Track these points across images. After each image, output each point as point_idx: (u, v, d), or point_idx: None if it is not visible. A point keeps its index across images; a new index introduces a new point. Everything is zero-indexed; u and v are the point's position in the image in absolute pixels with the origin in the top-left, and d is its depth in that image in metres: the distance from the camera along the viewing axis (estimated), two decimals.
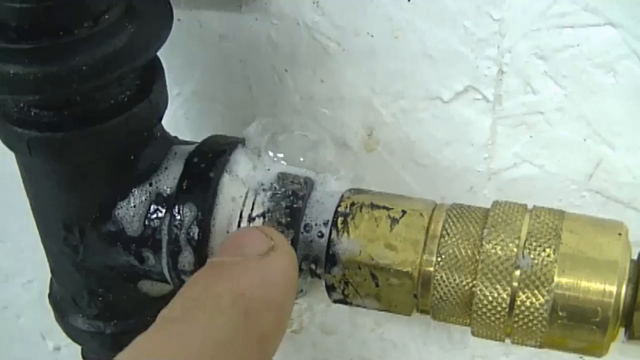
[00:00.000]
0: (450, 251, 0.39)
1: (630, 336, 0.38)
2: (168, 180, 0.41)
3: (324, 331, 0.61)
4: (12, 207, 0.62)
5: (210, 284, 0.35)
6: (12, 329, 0.75)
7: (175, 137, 0.44)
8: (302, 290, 0.41)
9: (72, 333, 0.46)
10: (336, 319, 0.60)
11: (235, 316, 0.33)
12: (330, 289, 0.41)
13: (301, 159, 0.45)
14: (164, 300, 0.41)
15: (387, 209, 0.40)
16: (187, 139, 0.45)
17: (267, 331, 0.34)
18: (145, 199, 0.41)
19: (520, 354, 0.56)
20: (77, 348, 0.67)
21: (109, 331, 0.45)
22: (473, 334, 0.40)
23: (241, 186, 0.41)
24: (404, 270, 0.39)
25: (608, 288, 0.37)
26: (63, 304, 0.46)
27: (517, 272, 0.38)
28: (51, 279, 0.47)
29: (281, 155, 0.44)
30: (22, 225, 0.66)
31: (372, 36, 0.48)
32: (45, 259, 0.59)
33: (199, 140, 0.44)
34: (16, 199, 0.59)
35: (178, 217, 0.40)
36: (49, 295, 0.47)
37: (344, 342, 0.61)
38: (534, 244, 0.38)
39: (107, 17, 0.36)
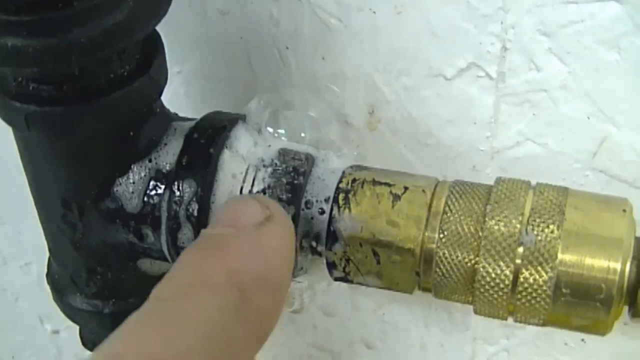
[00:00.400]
0: (453, 228, 0.39)
1: (635, 314, 0.38)
2: (168, 156, 0.41)
3: (325, 313, 0.61)
4: (11, 190, 0.63)
5: (203, 261, 0.34)
6: (11, 312, 0.75)
7: (175, 113, 0.44)
8: (302, 268, 0.41)
9: (70, 313, 0.46)
10: (337, 301, 0.61)
11: (230, 295, 0.32)
12: (331, 266, 0.41)
13: (302, 135, 0.45)
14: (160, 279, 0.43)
15: (389, 185, 0.40)
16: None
17: (264, 309, 0.33)
18: (145, 175, 0.41)
19: (522, 335, 0.56)
20: (76, 332, 0.67)
21: (107, 310, 0.45)
22: (475, 312, 0.40)
23: (241, 162, 0.41)
24: (406, 247, 0.39)
25: (612, 265, 0.37)
26: (61, 283, 0.46)
27: (521, 249, 0.38)
28: (49, 259, 0.47)
29: (282, 131, 0.44)
30: (21, 208, 0.63)
31: (374, 12, 0.48)
32: (45, 242, 0.59)
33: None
34: (15, 181, 0.58)
35: (177, 194, 0.40)
36: (47, 275, 0.47)
37: (344, 324, 0.62)
38: (537, 220, 0.38)
39: None
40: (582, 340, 0.54)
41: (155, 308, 0.32)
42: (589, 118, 0.47)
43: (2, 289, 0.74)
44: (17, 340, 0.78)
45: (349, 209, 0.40)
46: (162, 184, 0.41)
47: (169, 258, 0.42)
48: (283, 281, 0.35)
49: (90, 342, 0.49)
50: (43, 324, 0.75)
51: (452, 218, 0.39)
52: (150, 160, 0.41)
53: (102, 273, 0.44)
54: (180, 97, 0.45)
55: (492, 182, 0.41)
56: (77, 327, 0.65)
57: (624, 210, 0.38)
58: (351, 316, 0.61)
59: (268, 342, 0.59)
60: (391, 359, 0.62)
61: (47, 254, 0.58)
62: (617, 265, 0.37)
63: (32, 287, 0.72)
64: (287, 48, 0.51)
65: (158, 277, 0.42)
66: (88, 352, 0.68)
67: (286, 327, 0.62)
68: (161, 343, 0.30)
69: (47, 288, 0.63)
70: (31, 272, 0.72)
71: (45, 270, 0.61)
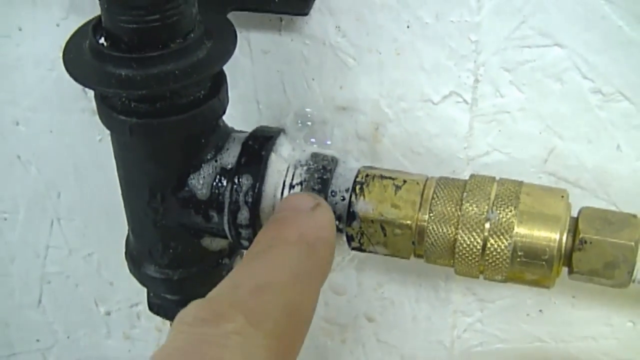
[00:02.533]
0: (439, 209, 0.44)
1: (570, 272, 0.44)
2: (229, 158, 0.46)
3: (335, 292, 0.65)
4: (82, 192, 0.68)
5: (280, 230, 0.42)
6: (71, 296, 0.77)
7: (232, 127, 0.48)
8: None
9: (145, 280, 0.51)
10: (345, 281, 0.64)
11: (301, 247, 0.40)
12: (350, 239, 0.46)
13: (328, 142, 0.52)
14: (220, 254, 0.49)
15: (393, 179, 0.46)
16: None
17: (323, 258, 0.42)
18: (212, 172, 0.46)
19: (493, 308, 0.61)
20: (124, 313, 0.72)
21: (175, 277, 0.49)
22: (456, 272, 0.45)
23: (284, 162, 0.46)
24: (405, 223, 0.45)
25: (553, 235, 0.42)
26: (139, 257, 0.50)
27: (487, 224, 0.43)
28: (127, 239, 0.51)
29: (313, 140, 0.50)
30: (89, 207, 0.70)
31: (380, 53, 0.52)
32: (104, 236, 0.64)
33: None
34: (85, 185, 0.66)
35: (237, 185, 0.45)
36: (125, 252, 0.51)
37: (351, 301, 0.65)
38: (500, 203, 0.43)
39: (192, 35, 0.42)
40: (540, 311, 0.59)
41: (251, 260, 0.40)
42: (540, 133, 0.51)
43: (65, 276, 0.75)
44: (74, 321, 0.79)
45: (364, 196, 0.45)
46: (225, 178, 0.46)
47: (228, 235, 0.47)
48: (332, 241, 0.43)
49: (155, 306, 0.53)
50: (98, 307, 0.77)
51: (438, 202, 0.44)
52: (216, 161, 0.46)
53: (174, 247, 0.48)
54: (227, 117, 0.48)
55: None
56: (126, 309, 0.71)
57: (562, 196, 0.44)
58: (357, 294, 0.64)
59: None
60: (389, 329, 0.65)
61: (108, 246, 0.64)
62: (557, 236, 0.42)
63: (91, 275, 0.74)
64: (313, 79, 0.55)
65: (216, 252, 0.49)
66: (135, 331, 0.73)
67: None
68: (264, 274, 0.39)
69: (105, 275, 0.69)
70: (92, 262, 0.73)
71: (105, 260, 0.67)
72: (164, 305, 0.53)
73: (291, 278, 0.39)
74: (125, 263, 0.52)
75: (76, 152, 0.66)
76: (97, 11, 0.43)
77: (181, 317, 0.36)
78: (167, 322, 0.53)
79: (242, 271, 0.40)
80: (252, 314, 0.36)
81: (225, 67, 0.45)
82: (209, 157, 0.47)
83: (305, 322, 0.40)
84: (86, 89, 0.60)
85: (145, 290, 0.53)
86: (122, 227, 0.51)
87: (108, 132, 0.46)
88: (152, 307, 0.54)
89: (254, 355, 0.35)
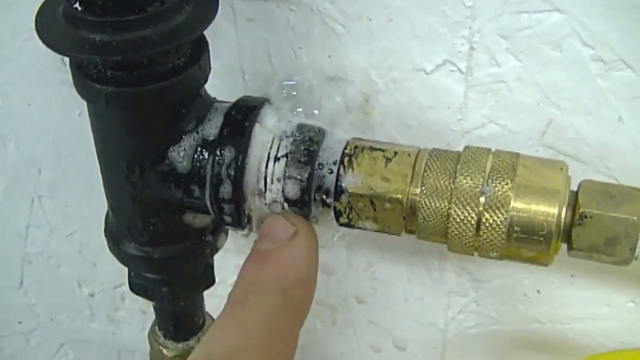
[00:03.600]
0: (432, 182, 0.43)
1: (569, 248, 0.43)
2: (211, 129, 0.45)
3: (325, 272, 0.64)
4: (62, 169, 0.67)
5: (258, 272, 0.43)
6: (53, 277, 0.76)
7: (215, 97, 0.47)
8: (314, 217, 0.46)
9: (124, 258, 0.50)
10: (334, 261, 0.64)
11: (276, 295, 0.41)
12: (338, 214, 0.45)
13: (315, 112, 0.51)
14: (203, 231, 0.49)
15: (383, 150, 0.45)
16: None
17: (299, 301, 0.42)
18: (193, 144, 0.45)
19: (488, 288, 0.61)
20: (108, 294, 0.71)
21: (156, 255, 0.49)
22: (449, 249, 0.44)
23: (269, 133, 0.45)
24: (396, 197, 0.44)
25: (551, 210, 0.41)
26: (118, 234, 0.49)
27: (482, 199, 0.42)
28: (106, 216, 0.51)
29: (300, 109, 0.49)
30: (70, 184, 0.69)
31: (370, 20, 0.51)
32: (87, 214, 0.64)
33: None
34: (64, 162, 0.66)
35: (219, 157, 0.44)
36: (105, 229, 0.51)
37: (341, 281, 0.65)
38: (495, 176, 0.42)
39: None
40: (538, 291, 0.59)
41: (228, 312, 0.42)
42: (538, 104, 0.51)
43: (47, 256, 0.75)
44: (56, 303, 0.79)
45: (352, 168, 0.44)
46: (206, 150, 0.45)
47: (210, 210, 0.46)
48: (311, 278, 0.44)
49: (136, 286, 0.52)
50: (81, 288, 0.77)
51: (430, 175, 0.43)
52: (197, 132, 0.45)
53: (153, 224, 0.48)
54: (211, 88, 0.48)
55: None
56: (109, 291, 0.71)
57: (561, 169, 0.43)
58: (346, 274, 0.64)
59: None
60: (380, 310, 0.66)
61: (89, 225, 0.63)
62: (555, 210, 0.41)
63: (74, 255, 0.74)
64: (300, 48, 0.54)
65: (198, 229, 0.48)
66: (119, 313, 0.73)
67: None
68: (236, 338, 0.39)
69: (87, 256, 0.69)
70: (74, 241, 0.73)
71: (87, 239, 0.67)
72: (145, 285, 0.52)
73: (265, 335, 0.40)
74: None
75: (56, 126, 0.65)
76: None
77: None
78: (151, 304, 0.53)
79: (215, 336, 0.41)
80: None
81: (208, 36, 0.45)
82: (189, 129, 0.46)
83: None
84: (65, 60, 0.60)
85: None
86: (104, 205, 0.51)
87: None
88: (132, 287, 0.53)
89: None
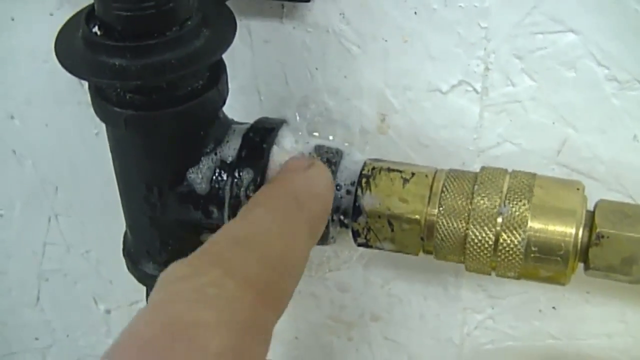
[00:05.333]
0: (449, 203, 0.44)
1: (586, 268, 0.43)
2: (230, 150, 0.46)
3: (340, 289, 0.65)
4: (79, 189, 0.68)
5: (271, 188, 0.43)
6: (70, 294, 0.77)
7: (232, 119, 0.48)
8: (332, 237, 0.46)
9: (143, 278, 0.50)
10: (351, 279, 0.64)
11: (288, 202, 0.41)
12: (355, 234, 0.46)
13: (330, 138, 0.51)
14: None
15: (400, 171, 0.45)
16: None
17: (313, 212, 0.41)
18: (212, 165, 0.45)
19: (504, 305, 0.60)
20: (124, 311, 0.71)
21: None
22: (466, 268, 0.45)
23: (286, 155, 0.45)
24: (414, 217, 0.44)
25: (569, 230, 0.42)
26: (136, 254, 0.50)
27: (500, 219, 0.43)
28: (125, 236, 0.51)
29: (316, 134, 0.49)
30: (86, 203, 0.70)
31: (386, 41, 0.52)
32: (103, 232, 0.64)
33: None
34: (82, 182, 0.66)
35: (238, 179, 0.45)
36: (123, 250, 0.51)
37: (357, 299, 0.65)
38: (512, 196, 0.43)
39: (189, 23, 0.41)
40: (553, 307, 0.59)
41: (247, 209, 0.41)
42: (553, 123, 0.51)
43: (63, 273, 0.75)
44: (72, 319, 0.79)
45: (370, 189, 0.45)
46: (225, 172, 0.45)
47: None
48: (325, 197, 0.43)
49: None
50: (97, 305, 0.77)
51: (448, 196, 0.44)
52: (216, 154, 0.45)
53: (172, 244, 0.48)
54: (227, 109, 0.48)
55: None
56: (126, 307, 0.72)
57: (578, 189, 0.43)
58: (362, 291, 0.64)
59: (291, 316, 0.64)
60: (396, 327, 0.65)
61: (105, 243, 0.63)
62: (572, 230, 0.42)
63: (90, 272, 0.74)
64: (316, 69, 0.55)
65: None
66: None
67: (307, 303, 0.65)
68: (245, 228, 0.39)
69: (104, 273, 0.69)
70: (90, 259, 0.73)
71: (103, 257, 0.67)
72: None
73: (276, 228, 0.39)
74: (124, 261, 0.52)
75: (72, 146, 0.66)
76: None
77: (161, 277, 0.36)
78: None
79: (224, 228, 0.39)
80: (229, 266, 0.36)
81: (225, 57, 0.45)
82: (208, 150, 0.46)
83: (291, 275, 0.39)
84: (82, 81, 0.60)
85: (144, 288, 0.53)
86: (120, 224, 0.51)
87: (105, 126, 0.46)
88: None
89: (229, 306, 0.34)
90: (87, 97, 0.52)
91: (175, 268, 0.36)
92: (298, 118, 0.54)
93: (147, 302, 0.51)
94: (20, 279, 0.78)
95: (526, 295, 0.60)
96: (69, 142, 0.66)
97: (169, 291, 0.35)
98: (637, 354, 0.59)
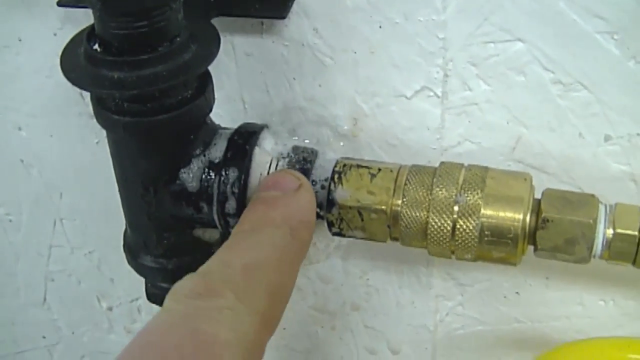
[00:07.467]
0: (411, 194, 0.46)
1: (535, 249, 0.46)
2: (217, 152, 0.48)
3: (323, 281, 0.66)
4: (82, 193, 0.70)
5: (266, 211, 0.44)
6: (74, 293, 0.78)
7: (219, 124, 0.50)
8: None
9: (141, 270, 0.52)
10: (332, 271, 0.65)
11: (285, 231, 0.43)
12: (330, 225, 0.48)
13: (306, 141, 0.54)
14: (212, 244, 0.51)
15: (368, 167, 0.48)
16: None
17: (304, 240, 0.45)
18: (201, 165, 0.48)
19: (472, 292, 0.62)
20: (125, 308, 0.74)
21: (170, 267, 0.51)
22: (429, 253, 0.47)
23: (267, 155, 0.48)
24: (380, 208, 0.47)
25: (517, 216, 0.44)
26: (135, 248, 0.52)
27: (456, 207, 0.45)
28: (124, 233, 0.53)
29: (295, 138, 0.52)
30: (89, 207, 0.72)
31: (355, 52, 0.54)
32: (105, 234, 0.67)
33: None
34: (85, 187, 0.68)
35: (224, 177, 0.47)
36: (123, 245, 0.53)
37: (338, 289, 0.66)
38: (467, 187, 0.45)
39: (178, 39, 0.44)
40: (517, 293, 0.61)
41: (240, 237, 0.43)
42: (507, 123, 0.53)
43: (68, 274, 0.77)
44: (77, 317, 0.81)
45: (342, 184, 0.47)
46: (213, 171, 0.48)
47: (217, 224, 0.48)
48: (312, 223, 0.46)
49: (153, 295, 0.54)
50: (100, 303, 0.78)
51: (410, 188, 0.46)
52: (204, 155, 0.48)
53: (167, 238, 0.50)
54: (215, 116, 0.49)
55: None
56: (127, 304, 0.73)
57: (525, 179, 0.46)
58: (343, 282, 0.66)
59: None
60: (374, 315, 0.67)
61: (108, 244, 0.66)
62: (521, 216, 0.44)
63: (93, 271, 0.75)
64: (294, 79, 0.56)
65: (207, 242, 0.51)
66: (135, 325, 0.75)
67: (293, 295, 0.58)
68: (252, 254, 0.42)
69: (106, 272, 0.71)
70: (93, 259, 0.75)
71: (105, 257, 0.69)
72: (161, 294, 0.55)
73: (276, 259, 0.43)
74: (124, 260, 0.53)
75: (75, 154, 0.68)
76: (90, 20, 0.45)
77: (177, 288, 0.39)
78: None
79: (232, 250, 0.43)
80: (241, 292, 0.40)
81: (211, 69, 0.47)
82: (197, 152, 0.49)
83: (285, 300, 0.43)
84: (83, 94, 0.63)
85: (144, 283, 0.55)
86: (120, 225, 0.52)
87: (105, 134, 0.48)
88: (150, 297, 0.55)
89: (241, 329, 0.38)
90: (88, 109, 0.55)
91: (191, 283, 0.40)
92: (282, 122, 0.56)
93: (147, 297, 0.56)
94: (27, 280, 0.79)
95: (491, 282, 0.62)
96: (72, 150, 0.68)
97: (190, 305, 0.38)
98: (595, 333, 0.60)
